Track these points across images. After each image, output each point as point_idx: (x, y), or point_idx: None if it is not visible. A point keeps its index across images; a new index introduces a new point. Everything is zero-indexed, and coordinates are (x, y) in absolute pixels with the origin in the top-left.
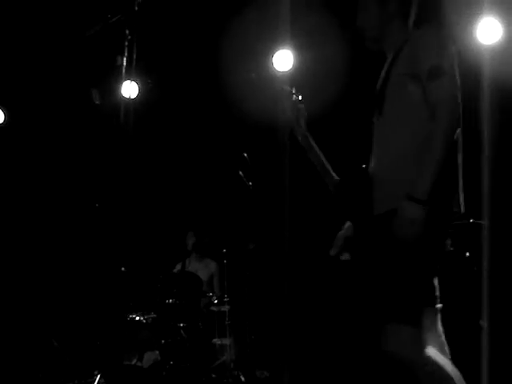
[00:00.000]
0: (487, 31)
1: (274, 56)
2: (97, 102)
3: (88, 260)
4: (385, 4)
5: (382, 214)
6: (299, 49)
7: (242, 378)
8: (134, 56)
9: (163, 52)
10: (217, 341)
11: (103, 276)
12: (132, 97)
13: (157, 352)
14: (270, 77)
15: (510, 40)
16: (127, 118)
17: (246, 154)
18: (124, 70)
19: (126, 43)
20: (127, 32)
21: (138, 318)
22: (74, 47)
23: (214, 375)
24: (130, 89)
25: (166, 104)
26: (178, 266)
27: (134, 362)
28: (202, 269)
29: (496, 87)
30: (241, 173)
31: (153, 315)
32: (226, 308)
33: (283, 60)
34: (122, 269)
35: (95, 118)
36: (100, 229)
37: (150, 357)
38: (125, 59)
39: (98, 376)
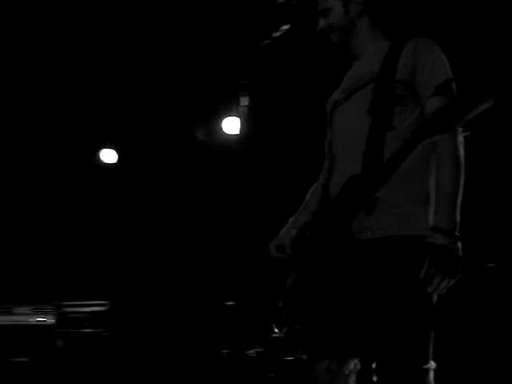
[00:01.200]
0: None
1: None
2: (201, 139)
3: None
4: (349, 3)
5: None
6: None
7: None
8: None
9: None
10: None
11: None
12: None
13: None
14: None
15: None
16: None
17: None
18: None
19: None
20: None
21: (247, 352)
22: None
23: None
24: (232, 125)
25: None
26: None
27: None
28: None
29: None
30: None
31: (260, 349)
32: None
33: None
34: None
35: (201, 154)
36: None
37: None
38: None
39: None
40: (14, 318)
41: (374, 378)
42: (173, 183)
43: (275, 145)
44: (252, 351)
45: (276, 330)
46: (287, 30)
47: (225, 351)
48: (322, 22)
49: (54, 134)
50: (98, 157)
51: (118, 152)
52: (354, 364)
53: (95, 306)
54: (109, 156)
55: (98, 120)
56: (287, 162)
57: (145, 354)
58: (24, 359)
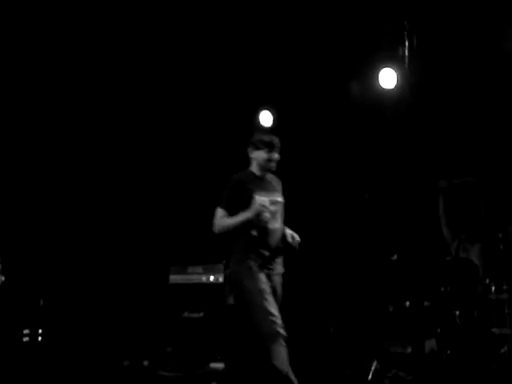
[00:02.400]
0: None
1: None
2: (356, 94)
3: (361, 249)
4: None
5: None
6: None
7: None
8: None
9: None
10: (496, 330)
11: (376, 264)
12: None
13: (433, 340)
14: None
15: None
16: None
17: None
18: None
19: (406, 33)
20: (406, 22)
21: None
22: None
23: (494, 367)
24: (388, 78)
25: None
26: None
27: (408, 350)
28: (476, 254)
29: None
30: None
31: (427, 303)
32: (504, 296)
33: None
34: (394, 257)
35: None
36: (370, 218)
37: (426, 345)
38: (406, 50)
39: (375, 362)
40: (188, 277)
41: None
42: (327, 142)
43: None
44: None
45: None
46: None
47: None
48: None
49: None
50: (257, 119)
51: (274, 114)
52: None
53: None
54: (266, 118)
55: (255, 83)
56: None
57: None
58: (197, 315)
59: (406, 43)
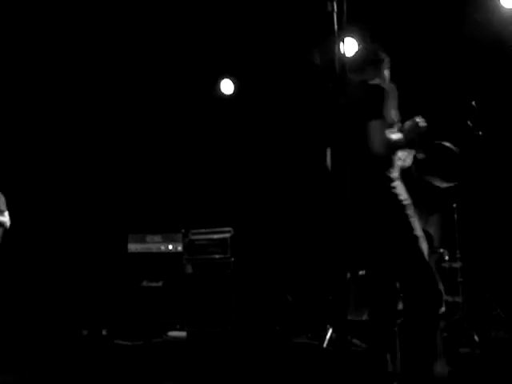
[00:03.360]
0: None
1: None
2: (317, 63)
3: (317, 216)
4: None
5: None
6: None
7: (476, 338)
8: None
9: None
10: (449, 298)
11: (331, 231)
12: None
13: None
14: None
15: None
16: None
17: (474, 103)
18: (335, 17)
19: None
20: None
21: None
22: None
23: (445, 334)
24: (347, 45)
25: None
26: None
27: (364, 317)
28: (431, 223)
29: None
30: (469, 122)
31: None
32: (457, 265)
33: None
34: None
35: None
36: (327, 187)
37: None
38: (335, 5)
39: (331, 330)
40: (147, 245)
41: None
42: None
43: None
44: None
45: None
46: None
47: None
48: None
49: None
50: (218, 88)
51: (235, 83)
52: None
53: (221, 233)
54: (227, 87)
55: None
56: None
57: (268, 278)
58: (156, 284)
59: None
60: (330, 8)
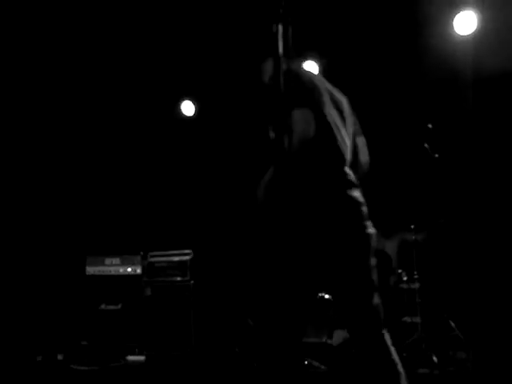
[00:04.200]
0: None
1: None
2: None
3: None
4: None
5: None
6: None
7: (435, 359)
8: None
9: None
10: (407, 319)
11: (292, 258)
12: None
13: (346, 330)
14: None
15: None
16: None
17: (430, 125)
18: (281, 39)
19: (281, 11)
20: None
21: (327, 296)
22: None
23: (404, 354)
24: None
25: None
26: None
27: (323, 339)
28: (390, 245)
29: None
30: (426, 145)
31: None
32: (415, 285)
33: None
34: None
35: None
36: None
37: (339, 335)
38: (280, 27)
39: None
40: (106, 268)
41: None
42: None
43: None
44: None
45: None
46: None
47: None
48: None
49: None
50: (179, 109)
51: (196, 104)
52: None
53: (180, 256)
54: (188, 108)
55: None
56: None
57: (228, 301)
58: (115, 307)
59: None
60: (274, 29)
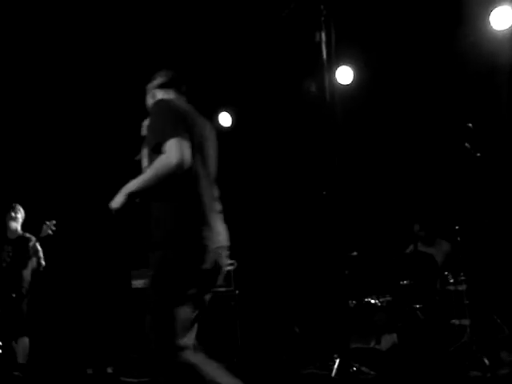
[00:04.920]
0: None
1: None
2: (313, 91)
3: (321, 246)
4: None
5: None
6: None
7: (486, 361)
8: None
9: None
10: (455, 321)
11: (337, 261)
12: (347, 82)
13: (394, 334)
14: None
15: None
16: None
17: (470, 124)
18: (324, 47)
19: (323, 19)
20: (322, 7)
21: (373, 301)
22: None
23: (454, 357)
24: (344, 74)
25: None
26: (411, 247)
27: (372, 345)
28: (435, 250)
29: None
30: (467, 144)
31: (388, 298)
32: (463, 287)
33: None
34: (354, 253)
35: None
36: (328, 216)
37: (387, 339)
38: (323, 35)
39: (338, 359)
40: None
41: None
42: (285, 140)
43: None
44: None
45: None
46: None
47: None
48: None
49: None
50: (216, 120)
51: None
52: None
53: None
54: (225, 119)
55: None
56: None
57: (273, 309)
58: None
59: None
60: (318, 38)
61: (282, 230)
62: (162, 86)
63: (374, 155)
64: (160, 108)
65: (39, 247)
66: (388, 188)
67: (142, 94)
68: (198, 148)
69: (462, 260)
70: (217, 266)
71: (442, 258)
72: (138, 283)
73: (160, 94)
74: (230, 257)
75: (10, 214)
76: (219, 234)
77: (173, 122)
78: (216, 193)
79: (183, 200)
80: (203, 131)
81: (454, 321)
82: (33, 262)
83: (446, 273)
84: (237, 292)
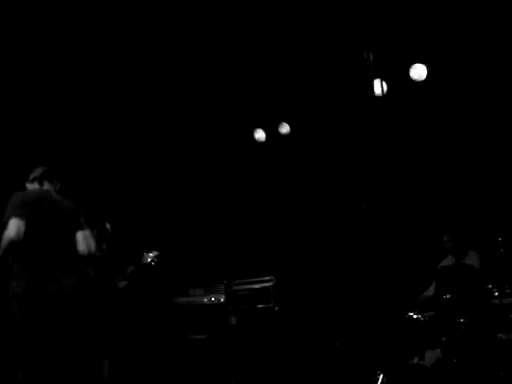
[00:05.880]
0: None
1: None
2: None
3: (361, 261)
4: None
5: None
6: None
7: None
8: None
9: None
10: (502, 336)
11: (381, 275)
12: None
13: (438, 350)
14: None
15: None
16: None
17: None
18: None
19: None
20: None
21: (416, 316)
22: None
23: (502, 373)
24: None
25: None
26: (448, 260)
27: (415, 360)
28: (467, 262)
29: None
30: None
31: (431, 312)
32: (509, 300)
33: None
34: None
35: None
36: (368, 229)
37: (431, 355)
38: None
39: (381, 375)
40: (190, 298)
41: None
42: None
43: None
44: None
45: None
46: None
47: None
48: None
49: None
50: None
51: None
52: None
53: (263, 283)
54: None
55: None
56: None
57: (313, 325)
58: (201, 336)
59: None
60: (365, 56)
61: (321, 245)
62: (32, 180)
63: (407, 164)
64: (12, 197)
65: None
66: (419, 197)
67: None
68: (39, 223)
69: (508, 272)
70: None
71: (478, 265)
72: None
73: (29, 186)
74: (270, 273)
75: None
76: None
77: (13, 207)
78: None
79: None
80: (51, 210)
81: (500, 335)
82: None
83: (490, 286)
84: (276, 309)
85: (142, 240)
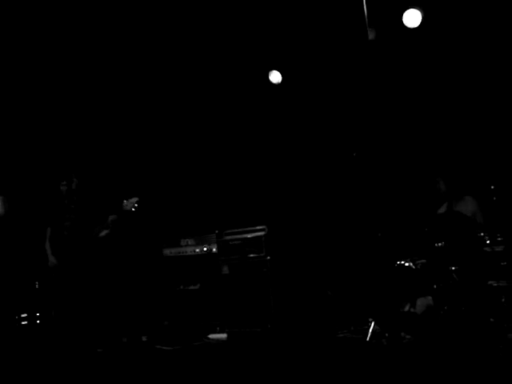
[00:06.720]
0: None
1: None
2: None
3: (353, 210)
4: None
5: None
6: None
7: None
8: None
9: None
10: (492, 283)
11: (372, 223)
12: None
13: (429, 297)
14: None
15: None
16: None
17: None
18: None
19: None
20: None
21: (407, 264)
22: None
23: (491, 319)
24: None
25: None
26: (443, 207)
27: (406, 308)
28: (462, 208)
29: None
30: None
31: (423, 260)
32: (499, 248)
33: None
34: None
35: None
36: (360, 177)
37: (422, 303)
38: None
39: (373, 323)
40: (182, 249)
41: None
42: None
43: None
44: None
45: None
46: None
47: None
48: None
49: None
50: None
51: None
52: None
53: (255, 232)
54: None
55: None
56: None
57: (305, 274)
58: (194, 287)
59: None
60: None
61: (313, 193)
62: None
63: (399, 114)
64: None
65: None
66: (413, 142)
67: None
68: None
69: (499, 220)
70: None
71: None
72: (168, 251)
73: None
74: (262, 222)
75: None
76: None
77: None
78: None
79: None
80: None
81: (491, 282)
82: None
83: (482, 234)
84: (268, 258)
85: (128, 188)
